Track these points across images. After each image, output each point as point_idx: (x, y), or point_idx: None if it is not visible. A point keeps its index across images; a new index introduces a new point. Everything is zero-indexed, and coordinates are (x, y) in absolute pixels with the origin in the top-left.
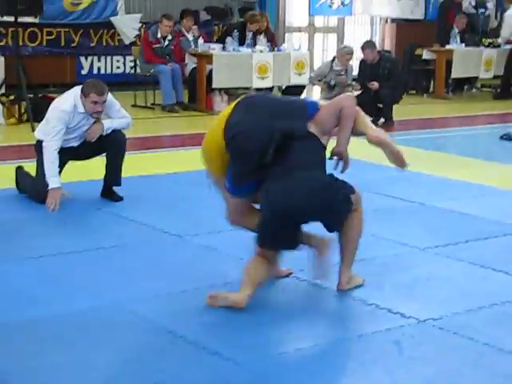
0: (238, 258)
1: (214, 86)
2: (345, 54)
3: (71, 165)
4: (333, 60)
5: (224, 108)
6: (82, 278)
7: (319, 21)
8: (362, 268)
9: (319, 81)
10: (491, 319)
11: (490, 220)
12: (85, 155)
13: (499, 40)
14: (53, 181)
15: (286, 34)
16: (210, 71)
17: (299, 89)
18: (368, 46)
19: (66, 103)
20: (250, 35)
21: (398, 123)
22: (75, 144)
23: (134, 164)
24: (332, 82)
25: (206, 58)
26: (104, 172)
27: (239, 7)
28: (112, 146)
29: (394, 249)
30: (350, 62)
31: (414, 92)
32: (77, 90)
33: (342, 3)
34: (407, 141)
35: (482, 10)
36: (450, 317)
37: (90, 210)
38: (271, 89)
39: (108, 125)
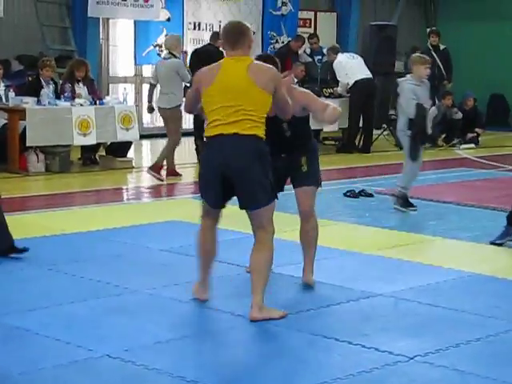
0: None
1: (28, 143)
2: None
3: None
4: None
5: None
6: None
7: (147, 70)
8: (194, 344)
9: None
10: None
11: (333, 285)
12: None
13: (338, 89)
14: None
15: (111, 85)
16: (24, 128)
17: (125, 145)
18: None
19: None
20: (67, 87)
21: None
22: None
23: None
24: None
25: (19, 112)
26: None
27: (56, 56)
28: None
29: (228, 322)
30: None
31: None
32: None
33: None
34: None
35: (319, 57)
36: None
37: None
38: (96, 146)
39: None
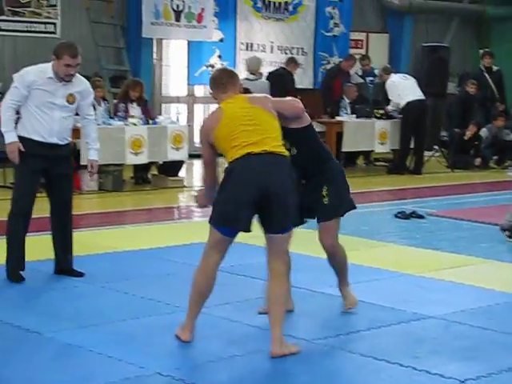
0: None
1: (82, 162)
2: None
3: None
4: None
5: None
6: None
7: (199, 90)
8: (244, 364)
9: None
10: None
11: (384, 307)
12: (54, 177)
13: (389, 108)
14: (9, 135)
15: (163, 105)
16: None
17: (177, 165)
18: None
19: (31, 67)
20: (121, 106)
21: None
22: (48, 137)
23: None
24: None
25: (73, 132)
26: None
27: (110, 76)
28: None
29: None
30: None
31: None
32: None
33: None
34: None
35: (371, 79)
36: None
37: None
38: (148, 166)
39: (96, 156)
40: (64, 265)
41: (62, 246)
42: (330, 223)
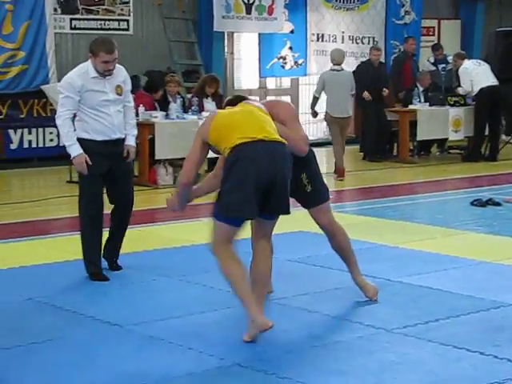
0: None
1: (157, 157)
2: None
3: None
4: None
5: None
6: (17, 378)
7: (271, 82)
8: (323, 353)
9: None
10: None
11: (463, 295)
12: (117, 175)
13: (460, 90)
14: (73, 148)
15: None
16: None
17: None
18: None
19: (72, 72)
20: (195, 101)
21: (359, 191)
22: (112, 133)
23: (71, 245)
24: None
25: (148, 127)
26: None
27: (183, 71)
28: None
29: (358, 331)
30: None
31: (378, 156)
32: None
33: (296, 63)
34: (369, 210)
35: (443, 66)
36: None
37: (17, 301)
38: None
39: (133, 142)
40: (111, 263)
41: (116, 242)
42: (321, 207)
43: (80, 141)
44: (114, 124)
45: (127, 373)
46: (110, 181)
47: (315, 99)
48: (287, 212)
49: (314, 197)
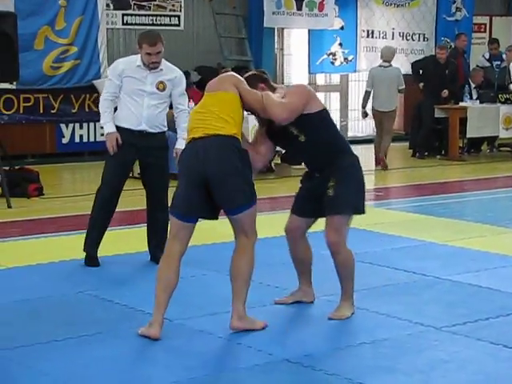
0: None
1: None
2: None
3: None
4: None
5: None
6: (67, 370)
7: (321, 78)
8: (372, 350)
9: None
10: None
11: None
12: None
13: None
14: (108, 126)
15: None
16: None
17: None
18: None
19: (121, 59)
20: None
21: (409, 188)
22: (137, 124)
23: (121, 240)
24: None
25: None
26: None
27: (233, 66)
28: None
29: (407, 328)
30: None
31: (426, 154)
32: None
33: (346, 60)
34: (419, 207)
35: (498, 63)
36: None
37: (68, 293)
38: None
39: (183, 145)
40: (156, 254)
41: (156, 239)
42: (336, 218)
43: None
44: (142, 115)
45: (175, 366)
46: (142, 172)
47: (366, 93)
48: (233, 206)
49: (331, 203)
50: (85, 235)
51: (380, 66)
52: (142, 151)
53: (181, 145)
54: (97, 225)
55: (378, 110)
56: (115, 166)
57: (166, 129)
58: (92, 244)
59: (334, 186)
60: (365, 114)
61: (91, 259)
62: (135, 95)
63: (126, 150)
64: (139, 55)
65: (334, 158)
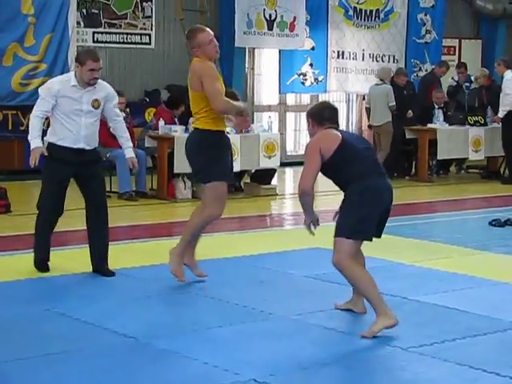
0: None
1: (175, 170)
2: None
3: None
4: None
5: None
6: None
7: (291, 99)
8: (338, 370)
9: None
10: None
11: (479, 315)
12: (83, 178)
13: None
14: (34, 142)
15: (255, 113)
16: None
17: (269, 173)
18: None
19: (55, 78)
20: None
21: None
22: (76, 142)
23: (81, 257)
24: None
25: (167, 140)
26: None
27: None
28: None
29: (374, 349)
30: None
31: (395, 175)
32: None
33: (316, 80)
34: (388, 228)
35: (467, 85)
36: None
37: (35, 311)
38: (241, 174)
39: (132, 153)
40: (99, 266)
41: (99, 251)
42: (338, 240)
43: (48, 144)
44: (81, 134)
45: None
46: (80, 185)
47: (366, 110)
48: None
49: (336, 227)
50: (33, 251)
51: (376, 84)
52: (79, 167)
53: (131, 153)
54: (42, 238)
55: (372, 125)
56: (52, 186)
57: (97, 144)
58: (41, 250)
59: (340, 211)
60: (370, 127)
61: (41, 262)
62: (73, 115)
63: (62, 167)
64: (71, 74)
65: (345, 189)
